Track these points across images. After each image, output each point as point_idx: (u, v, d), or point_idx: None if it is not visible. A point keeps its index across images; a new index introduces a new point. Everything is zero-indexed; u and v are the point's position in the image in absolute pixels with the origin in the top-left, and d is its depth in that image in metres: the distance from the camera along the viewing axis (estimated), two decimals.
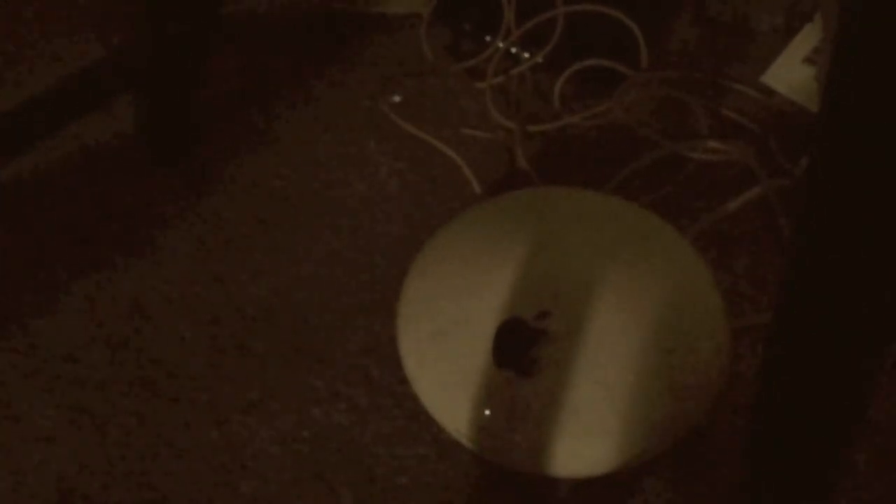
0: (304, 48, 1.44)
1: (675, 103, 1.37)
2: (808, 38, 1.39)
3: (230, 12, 1.46)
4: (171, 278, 1.26)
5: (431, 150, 1.35)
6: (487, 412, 1.10)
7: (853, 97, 0.76)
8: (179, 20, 1.28)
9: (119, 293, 1.25)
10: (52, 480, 1.14)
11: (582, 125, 1.36)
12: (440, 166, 1.34)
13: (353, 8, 1.46)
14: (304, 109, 1.39)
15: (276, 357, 1.21)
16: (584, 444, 1.10)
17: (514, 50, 1.40)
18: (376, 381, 1.19)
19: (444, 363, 1.14)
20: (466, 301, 1.15)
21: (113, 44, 1.42)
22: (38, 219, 1.30)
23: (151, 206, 1.32)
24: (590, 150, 1.35)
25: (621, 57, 1.38)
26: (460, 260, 1.18)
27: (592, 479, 1.12)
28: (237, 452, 1.15)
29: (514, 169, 1.34)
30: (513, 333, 1.11)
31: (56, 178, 1.33)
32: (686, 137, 1.34)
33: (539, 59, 1.39)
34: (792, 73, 1.37)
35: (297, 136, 1.37)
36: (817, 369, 0.91)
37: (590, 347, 1.10)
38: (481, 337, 1.11)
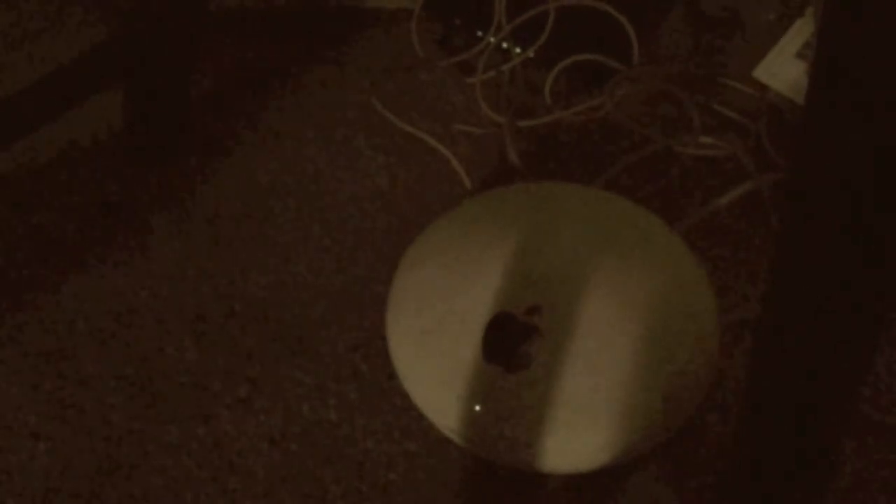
0: (294, 43, 1.44)
1: (667, 98, 1.36)
2: (799, 33, 1.39)
3: (219, 7, 1.45)
4: (159, 274, 1.26)
5: (422, 146, 1.35)
6: (477, 408, 1.10)
7: (837, 90, 0.76)
8: (168, 14, 1.27)
9: (106, 289, 1.24)
10: (39, 478, 1.13)
11: (573, 120, 1.36)
12: (430, 161, 1.34)
13: (343, 3, 1.46)
14: (294, 104, 1.38)
15: (265, 353, 1.20)
16: (575, 439, 1.09)
17: (504, 45, 1.39)
18: (365, 377, 1.18)
19: (433, 359, 1.13)
20: (456, 296, 1.14)
21: (101, 37, 1.41)
22: (24, 214, 1.30)
23: (139, 202, 1.31)
24: (581, 145, 1.34)
25: (612, 52, 1.38)
26: (450, 255, 1.18)
27: (583, 475, 1.11)
28: (225, 449, 1.14)
29: (504, 164, 1.33)
30: (503, 329, 1.10)
31: (43, 174, 1.32)
32: (678, 132, 1.33)
33: (530, 54, 1.39)
34: (784, 68, 1.37)
35: (286, 132, 1.36)
36: (807, 362, 0.90)
37: (580, 342, 1.09)
38: (471, 332, 1.11)
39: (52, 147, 1.33)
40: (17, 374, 1.19)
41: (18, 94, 1.26)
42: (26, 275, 1.26)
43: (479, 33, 1.40)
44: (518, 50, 1.39)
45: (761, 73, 1.37)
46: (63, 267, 1.26)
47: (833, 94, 0.77)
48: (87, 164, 1.33)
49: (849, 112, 0.76)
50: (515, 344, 1.10)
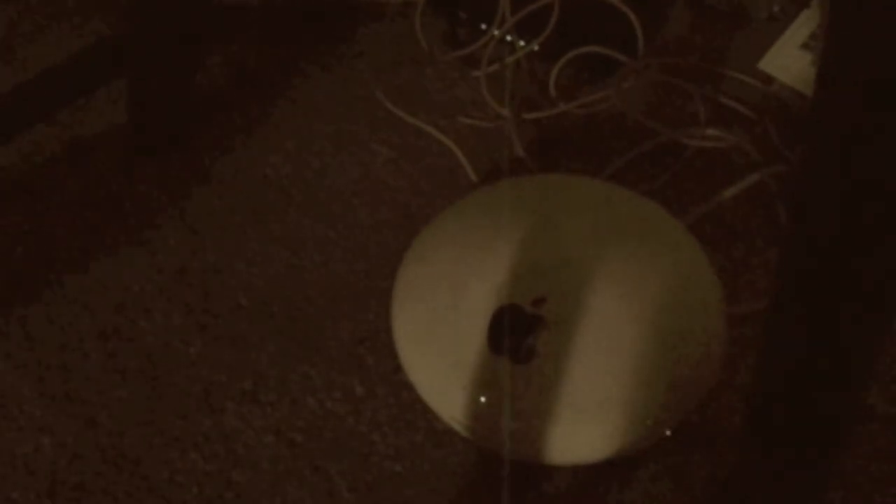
0: (299, 36, 1.44)
1: (673, 90, 1.36)
2: (805, 25, 1.39)
3: (224, 2, 1.45)
4: (164, 268, 1.25)
5: (427, 139, 1.34)
6: (483, 399, 1.10)
7: (846, 83, 0.76)
8: (173, 8, 1.27)
9: (111, 283, 1.24)
10: (44, 470, 1.13)
11: (578, 113, 1.35)
12: (435, 154, 1.33)
13: None
14: (299, 98, 1.38)
15: (270, 346, 1.20)
16: (581, 431, 1.09)
17: (509, 38, 1.39)
18: (371, 370, 1.18)
19: (439, 351, 1.13)
20: (462, 288, 1.14)
21: (106, 31, 1.41)
22: (30, 208, 1.30)
23: (144, 196, 1.31)
24: (586, 137, 1.34)
25: (618, 44, 1.37)
26: (456, 247, 1.18)
27: (588, 467, 1.11)
28: (230, 442, 1.14)
29: (510, 157, 1.33)
30: (509, 320, 1.10)
31: (49, 168, 1.32)
32: (683, 125, 1.33)
33: (535, 47, 1.38)
34: (789, 60, 1.37)
35: (291, 125, 1.36)
36: (814, 355, 0.90)
37: (586, 334, 1.09)
38: (477, 324, 1.11)
39: (57, 141, 1.33)
40: (23, 368, 1.19)
41: (23, 86, 1.26)
42: (31, 268, 1.25)
43: (484, 26, 1.39)
44: (522, 43, 1.38)
45: (767, 64, 1.37)
46: (68, 260, 1.26)
47: (842, 86, 0.77)
48: (92, 159, 1.33)
49: (857, 103, 0.76)
50: (521, 335, 1.09)
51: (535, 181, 1.27)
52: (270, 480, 1.12)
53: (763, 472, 1.00)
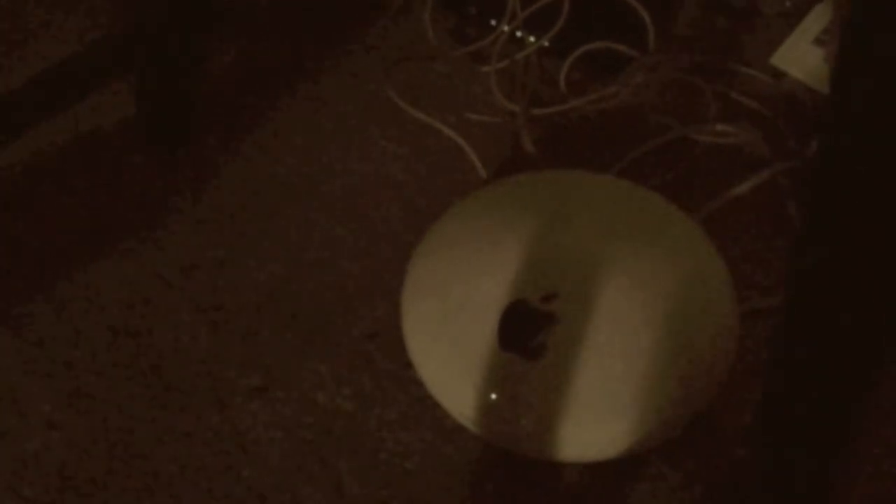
0: (307, 32, 1.43)
1: (684, 86, 1.35)
2: (817, 20, 1.38)
3: None
4: (173, 264, 1.25)
5: (436, 135, 1.34)
6: (493, 396, 1.09)
7: (863, 80, 0.75)
8: (179, 4, 1.27)
9: (120, 279, 1.24)
10: (54, 466, 1.13)
11: (588, 108, 1.35)
12: (445, 151, 1.33)
13: None
14: (307, 94, 1.38)
15: (279, 343, 1.20)
16: (591, 428, 1.09)
17: (519, 33, 1.38)
18: (380, 366, 1.18)
19: (449, 347, 1.12)
20: (471, 284, 1.13)
21: (114, 26, 1.41)
22: (38, 204, 1.29)
23: (152, 192, 1.30)
24: (597, 133, 1.34)
25: (628, 39, 1.37)
26: (465, 243, 1.17)
27: (599, 464, 1.10)
28: (240, 438, 1.14)
29: (519, 153, 1.32)
30: (519, 316, 1.10)
31: (56, 164, 1.32)
32: (694, 120, 1.33)
33: (545, 43, 1.38)
34: (801, 55, 1.36)
35: (299, 122, 1.36)
36: (827, 354, 0.90)
37: (596, 330, 1.09)
38: (487, 320, 1.10)
39: (64, 138, 1.33)
40: (32, 363, 1.19)
41: (29, 83, 1.26)
42: (40, 265, 1.25)
43: (493, 22, 1.39)
44: (532, 38, 1.38)
45: (778, 60, 1.36)
46: (76, 257, 1.26)
47: (858, 82, 0.76)
48: (101, 155, 1.33)
49: (874, 100, 0.76)
50: (531, 332, 1.09)
51: (545, 177, 1.26)
52: (280, 476, 1.12)
53: (773, 471, 0.99)
